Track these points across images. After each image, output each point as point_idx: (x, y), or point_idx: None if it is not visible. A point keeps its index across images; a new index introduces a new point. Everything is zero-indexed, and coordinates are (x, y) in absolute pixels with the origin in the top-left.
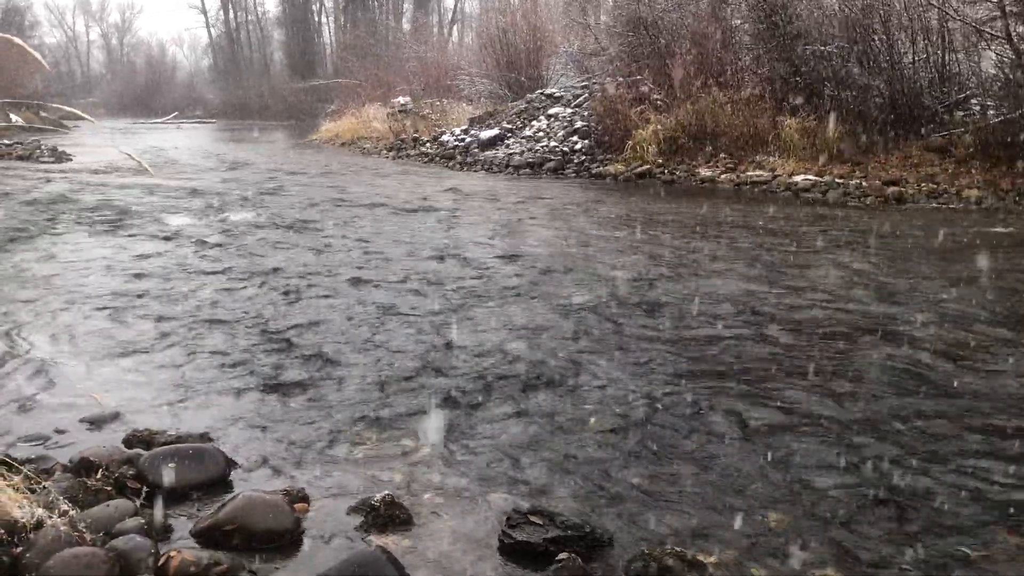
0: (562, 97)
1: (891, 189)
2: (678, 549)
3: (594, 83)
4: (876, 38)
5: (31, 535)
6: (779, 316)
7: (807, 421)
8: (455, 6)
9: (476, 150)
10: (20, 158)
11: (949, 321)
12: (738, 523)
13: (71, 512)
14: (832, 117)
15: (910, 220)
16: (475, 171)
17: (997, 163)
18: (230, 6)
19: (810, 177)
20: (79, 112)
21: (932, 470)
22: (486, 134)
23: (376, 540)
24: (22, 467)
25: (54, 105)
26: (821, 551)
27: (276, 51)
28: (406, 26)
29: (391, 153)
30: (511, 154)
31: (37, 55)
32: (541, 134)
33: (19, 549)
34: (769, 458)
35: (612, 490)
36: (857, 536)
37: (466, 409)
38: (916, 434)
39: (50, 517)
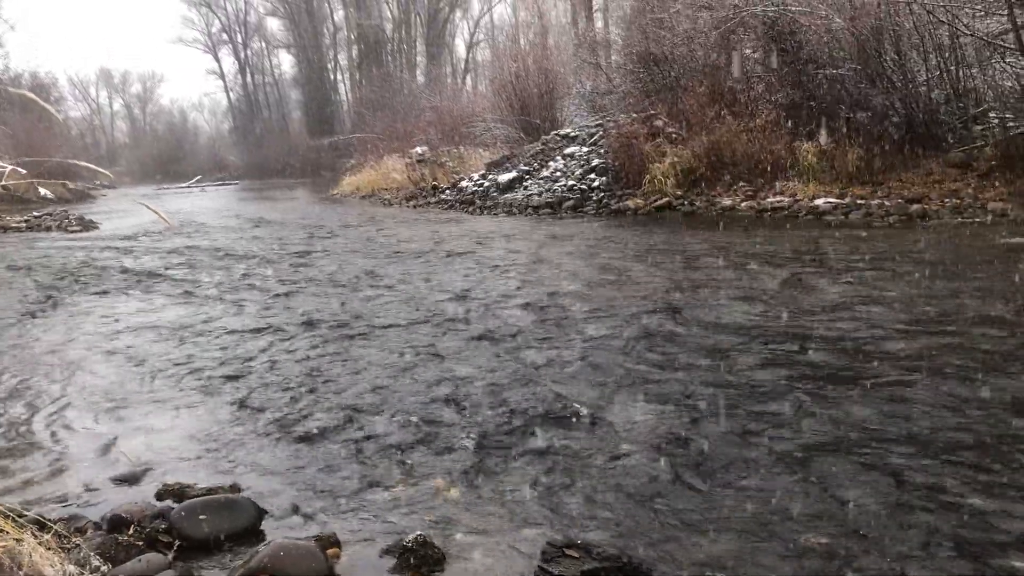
0: (577, 136)
1: (914, 207)
2: None
3: (608, 121)
4: (888, 58)
5: None
6: (821, 340)
7: (849, 442)
8: (467, 56)
9: (495, 194)
10: (49, 229)
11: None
12: (780, 548)
13: (103, 568)
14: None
15: (951, 237)
16: (495, 214)
17: (1021, 174)
18: (247, 69)
19: (831, 200)
20: (100, 169)
21: (980, 488)
22: (504, 177)
23: None
24: (53, 525)
25: (78, 163)
26: (868, 573)
27: (294, 110)
28: (420, 78)
29: (411, 202)
30: (530, 195)
31: (51, 109)
32: (558, 174)
33: None
34: (809, 481)
35: (648, 520)
36: (905, 557)
37: (496, 446)
38: (960, 455)
39: (82, 574)
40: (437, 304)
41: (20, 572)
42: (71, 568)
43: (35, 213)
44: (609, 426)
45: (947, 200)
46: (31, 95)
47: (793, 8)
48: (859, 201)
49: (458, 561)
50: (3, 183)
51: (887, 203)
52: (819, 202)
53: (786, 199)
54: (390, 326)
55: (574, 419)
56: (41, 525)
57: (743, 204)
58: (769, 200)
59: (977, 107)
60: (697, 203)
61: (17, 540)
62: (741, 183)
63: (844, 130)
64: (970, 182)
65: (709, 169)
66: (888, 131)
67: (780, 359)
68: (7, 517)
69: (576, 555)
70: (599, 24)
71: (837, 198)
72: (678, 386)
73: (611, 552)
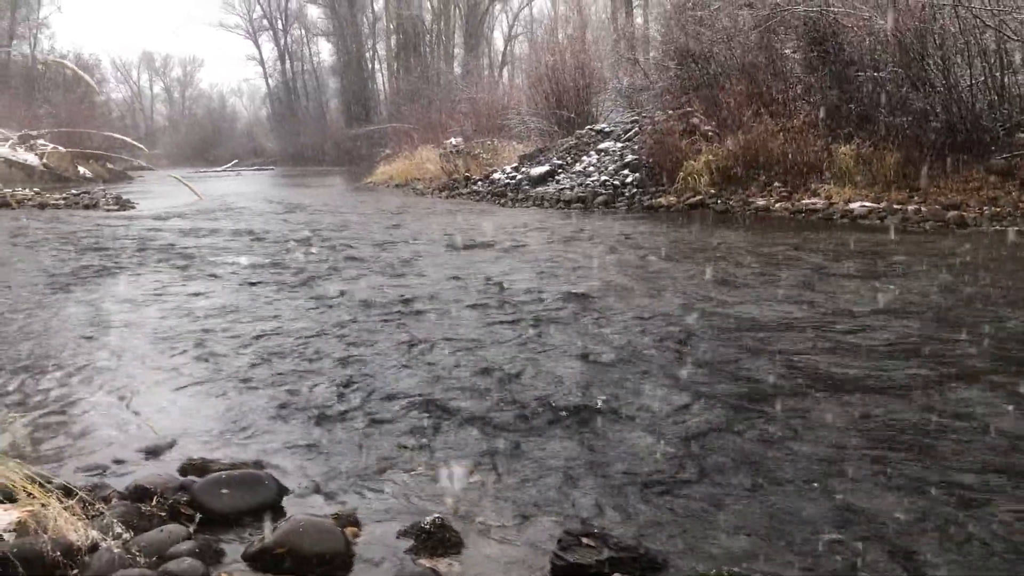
0: (612, 132)
1: (952, 213)
2: (735, 570)
3: (644, 117)
4: (931, 61)
5: (86, 557)
6: (846, 342)
7: (868, 442)
8: (505, 49)
9: (527, 187)
10: (87, 207)
11: None
12: (797, 543)
13: (125, 536)
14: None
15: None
16: (526, 207)
17: None
18: (287, 57)
19: (867, 204)
20: (136, 144)
21: (1001, 492)
22: (536, 170)
23: (427, 563)
24: (79, 492)
25: (115, 135)
26: (884, 570)
27: (331, 99)
28: (457, 70)
29: (443, 193)
30: (562, 189)
31: (88, 77)
32: (591, 169)
33: (75, 571)
34: (828, 478)
35: (667, 513)
36: (922, 556)
37: (517, 434)
38: (981, 453)
39: (104, 540)
40: (462, 292)
41: (45, 536)
42: (94, 534)
43: (73, 191)
44: (630, 418)
45: (986, 207)
46: (69, 64)
47: (835, 8)
48: (896, 206)
49: (475, 545)
50: (44, 161)
51: (924, 209)
52: (854, 206)
53: (821, 202)
54: (416, 312)
55: (595, 409)
56: (67, 492)
57: (777, 205)
58: (804, 202)
59: (1022, 114)
60: (731, 202)
61: (43, 505)
62: (776, 184)
63: (883, 133)
64: (1011, 190)
65: (744, 169)
66: (928, 136)
67: (807, 361)
68: (34, 482)
69: (593, 544)
70: (638, 20)
71: (873, 202)
72: (702, 382)
73: (628, 543)
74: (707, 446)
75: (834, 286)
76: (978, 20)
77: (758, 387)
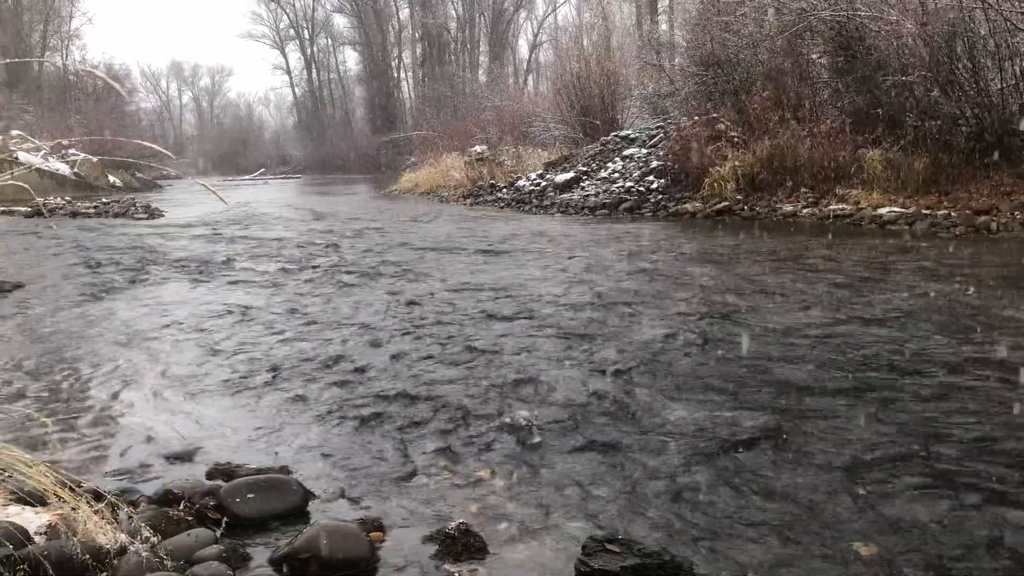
0: (637, 138)
1: (982, 219)
2: None
3: (669, 123)
4: (960, 65)
5: (115, 561)
6: (861, 349)
7: (897, 452)
8: (530, 56)
9: (552, 193)
10: (117, 215)
11: None
12: (825, 553)
13: (153, 540)
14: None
15: None
16: (551, 214)
17: None
18: (313, 66)
19: (895, 209)
20: (164, 150)
21: None
22: (561, 177)
23: (451, 569)
24: (108, 496)
25: (143, 143)
26: None
27: (357, 107)
28: (482, 78)
29: (468, 200)
30: (587, 196)
31: (117, 85)
32: (616, 175)
33: (104, 574)
34: (856, 488)
35: (691, 520)
36: (955, 568)
37: (540, 439)
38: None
39: (133, 544)
40: (484, 300)
41: (75, 539)
42: (123, 537)
43: (104, 200)
44: (654, 424)
45: (1017, 212)
46: (100, 74)
47: (862, 13)
48: (925, 211)
49: (499, 551)
50: (75, 170)
51: (954, 214)
52: (883, 211)
53: (849, 207)
54: (439, 320)
55: (619, 415)
56: (97, 496)
57: (804, 211)
58: (832, 208)
59: None
60: (758, 208)
61: (73, 509)
62: (803, 189)
63: (911, 138)
64: None
65: (771, 174)
66: (957, 140)
67: (832, 367)
68: (64, 486)
69: (617, 550)
70: (663, 26)
71: (902, 207)
72: (726, 388)
73: (653, 549)
74: (732, 451)
75: (865, 293)
76: (1009, 23)
77: (783, 393)
